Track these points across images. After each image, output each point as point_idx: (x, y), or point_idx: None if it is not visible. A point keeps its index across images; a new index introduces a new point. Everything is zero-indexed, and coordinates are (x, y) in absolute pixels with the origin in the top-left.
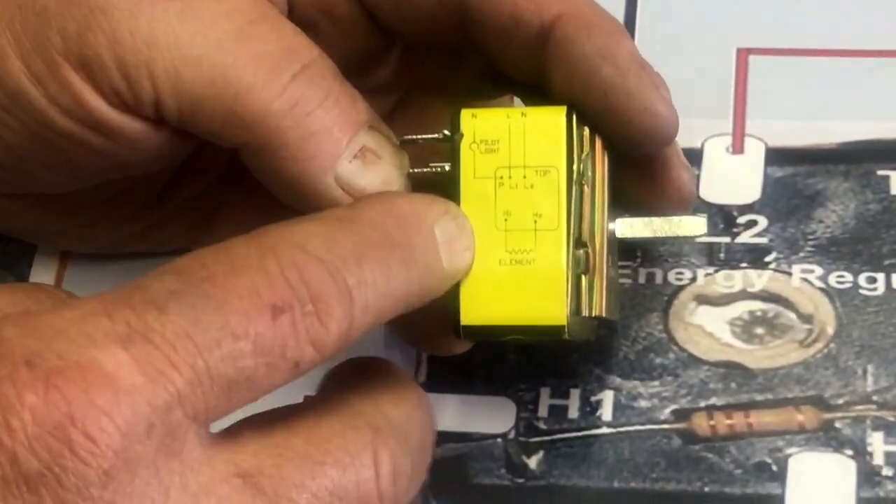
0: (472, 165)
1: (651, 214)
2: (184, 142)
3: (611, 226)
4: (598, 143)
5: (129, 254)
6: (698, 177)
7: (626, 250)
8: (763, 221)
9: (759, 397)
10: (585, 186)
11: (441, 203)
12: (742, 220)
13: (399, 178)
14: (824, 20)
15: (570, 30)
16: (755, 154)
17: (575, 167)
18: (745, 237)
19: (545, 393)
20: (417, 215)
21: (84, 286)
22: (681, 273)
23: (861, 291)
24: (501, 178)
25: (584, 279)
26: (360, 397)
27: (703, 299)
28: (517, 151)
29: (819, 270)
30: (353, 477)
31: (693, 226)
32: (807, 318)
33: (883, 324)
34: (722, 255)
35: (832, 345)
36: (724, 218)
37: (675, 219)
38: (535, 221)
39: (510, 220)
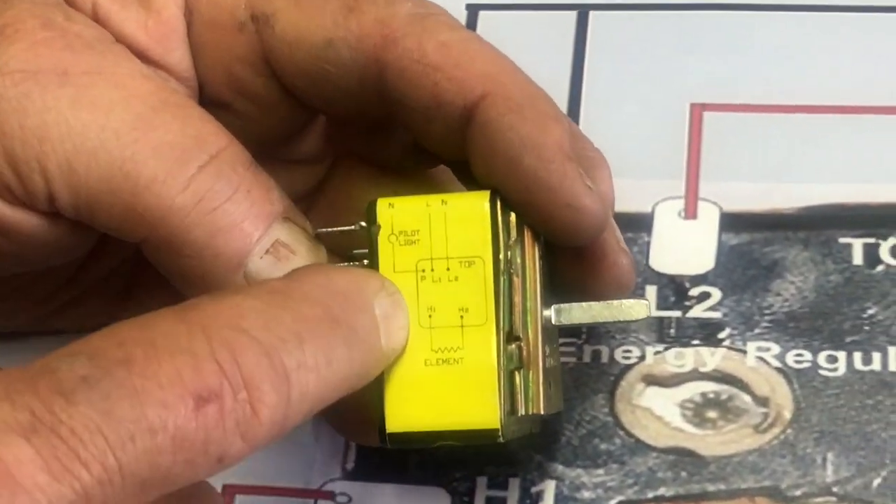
0: (392, 259)
1: (589, 299)
2: (85, 234)
3: (546, 313)
4: (527, 230)
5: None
6: (648, 244)
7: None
8: (717, 294)
9: (711, 488)
10: (515, 276)
11: (377, 278)
12: (694, 292)
13: None
14: (784, 74)
15: (494, 114)
16: (709, 220)
17: (502, 256)
18: (698, 311)
19: (482, 483)
20: (358, 290)
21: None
22: (628, 351)
23: (821, 372)
24: (423, 271)
25: (518, 375)
26: None
27: (651, 380)
28: (439, 242)
29: (776, 348)
30: None
31: (636, 310)
32: (762, 401)
33: (844, 408)
34: (672, 332)
35: (789, 430)
36: (675, 290)
37: (616, 303)
38: (462, 317)
39: (435, 317)
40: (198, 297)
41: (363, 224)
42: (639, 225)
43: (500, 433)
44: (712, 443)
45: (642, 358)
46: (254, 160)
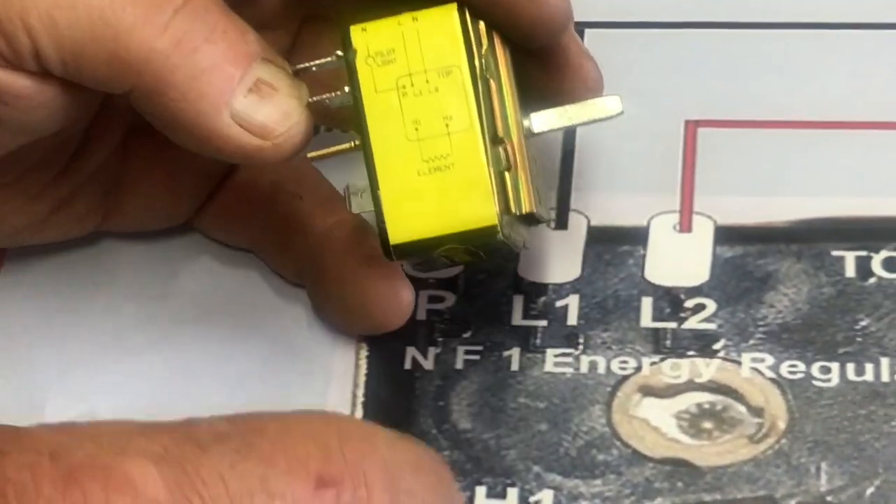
0: (372, 80)
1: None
2: (77, 94)
3: (526, 123)
4: (496, 37)
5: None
6: (644, 257)
7: (567, 337)
8: (712, 305)
9: (707, 497)
10: (491, 81)
11: None
12: (689, 303)
13: (298, 109)
14: (775, 91)
15: None
16: (704, 233)
17: (477, 62)
18: (693, 322)
19: (481, 492)
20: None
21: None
22: (625, 362)
23: (814, 383)
24: (404, 87)
25: (507, 176)
26: None
27: (648, 391)
28: (415, 57)
29: (770, 360)
30: None
31: (608, 105)
32: (757, 412)
33: (837, 418)
34: (668, 343)
35: (784, 440)
36: (670, 301)
37: (590, 102)
38: (447, 125)
39: (421, 129)
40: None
41: (339, 53)
42: (635, 238)
43: (498, 229)
44: (708, 453)
45: (639, 369)
46: (227, 6)
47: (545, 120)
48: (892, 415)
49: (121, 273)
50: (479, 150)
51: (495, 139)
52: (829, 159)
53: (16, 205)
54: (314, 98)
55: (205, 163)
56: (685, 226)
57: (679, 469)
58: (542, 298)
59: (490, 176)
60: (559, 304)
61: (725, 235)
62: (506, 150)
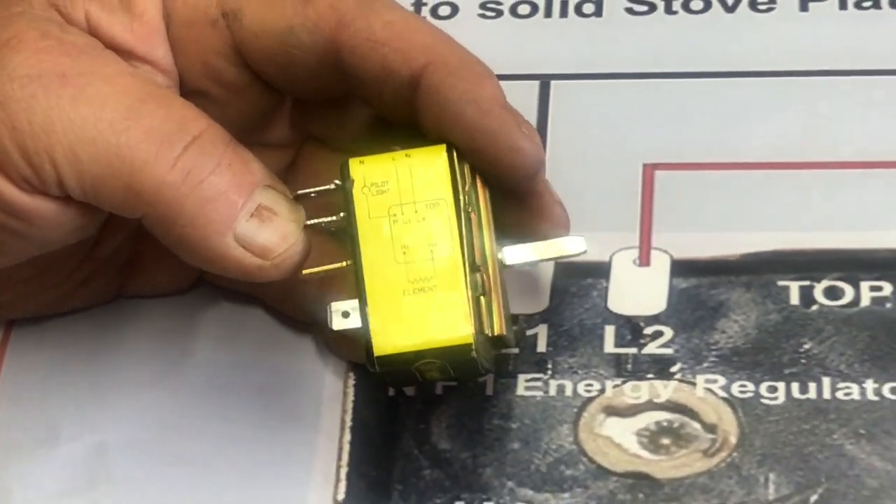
0: (366, 207)
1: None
2: (94, 214)
3: (500, 255)
4: (478, 179)
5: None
6: (606, 289)
7: (537, 363)
8: (669, 332)
9: None
10: (472, 214)
11: None
12: (648, 330)
13: (296, 231)
14: (726, 135)
15: (437, 78)
16: (661, 266)
17: (461, 197)
18: (652, 348)
19: None
20: None
21: (29, 348)
22: (590, 385)
23: (762, 401)
24: (395, 215)
25: (482, 300)
26: None
27: (611, 410)
28: (406, 189)
29: (722, 380)
30: None
31: (573, 245)
32: (711, 428)
33: (783, 432)
34: (629, 366)
35: (735, 454)
36: (631, 329)
37: (558, 240)
38: (432, 251)
39: (408, 253)
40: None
41: (338, 182)
42: (598, 272)
43: (472, 347)
44: (666, 467)
45: (602, 391)
46: (233, 138)
47: (517, 253)
48: (833, 429)
49: (133, 315)
50: (460, 276)
51: (474, 266)
52: (775, 197)
53: (38, 290)
54: (312, 221)
55: None
56: (644, 260)
57: (640, 482)
58: (514, 327)
59: (468, 299)
60: (529, 332)
61: (681, 268)
62: (482, 277)
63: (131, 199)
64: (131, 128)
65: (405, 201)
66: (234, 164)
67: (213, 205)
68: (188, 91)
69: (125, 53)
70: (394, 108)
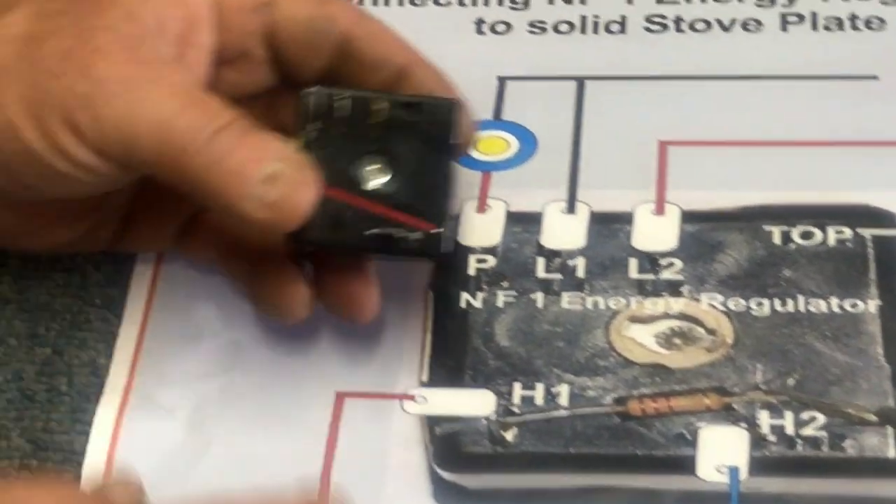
0: None
1: None
2: (135, 174)
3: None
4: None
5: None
6: (630, 232)
7: (577, 285)
8: (679, 263)
9: (677, 388)
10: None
11: None
12: (663, 262)
13: (298, 190)
14: (723, 120)
15: (421, 72)
16: (673, 215)
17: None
18: (666, 274)
19: (517, 387)
20: None
21: (175, 287)
22: (618, 300)
23: (752, 312)
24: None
25: None
26: None
27: (635, 319)
28: None
29: (721, 297)
30: None
31: None
32: (712, 332)
33: (768, 335)
34: (649, 288)
35: (731, 350)
36: (649, 261)
37: None
38: None
39: None
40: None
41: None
42: (623, 219)
43: None
44: (677, 359)
45: (628, 305)
46: (255, 125)
47: None
48: (806, 332)
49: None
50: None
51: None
52: (762, 166)
53: (62, 225)
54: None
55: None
56: (659, 210)
57: (657, 370)
58: (558, 259)
59: None
60: (570, 263)
61: (689, 217)
62: None
63: (177, 177)
64: (177, 124)
65: None
66: (251, 143)
67: (232, 175)
68: (223, 60)
69: (178, 38)
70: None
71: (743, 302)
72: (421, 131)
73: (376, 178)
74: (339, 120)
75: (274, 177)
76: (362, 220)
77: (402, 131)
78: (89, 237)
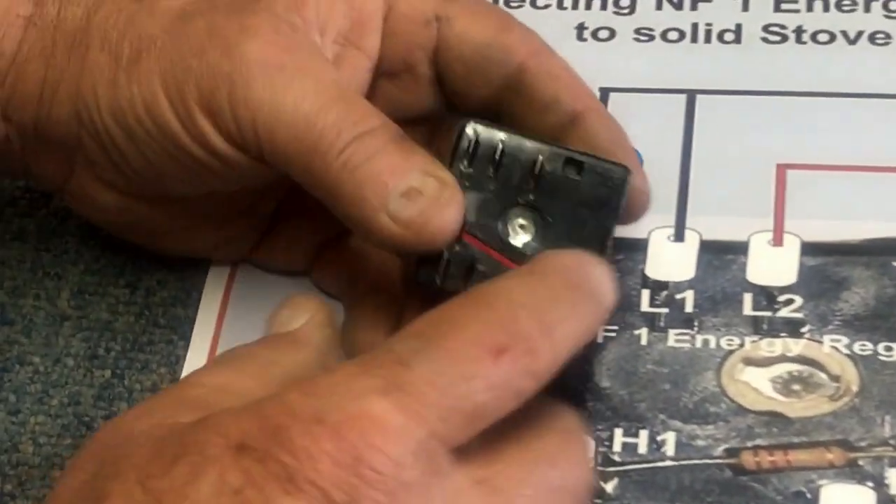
0: None
1: None
2: (271, 172)
3: None
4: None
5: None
6: (745, 264)
7: (685, 321)
8: (799, 300)
9: (795, 440)
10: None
11: (593, 258)
12: (781, 298)
13: (439, 207)
14: (846, 142)
15: (595, 122)
16: (792, 247)
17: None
18: (785, 312)
19: (618, 433)
20: (583, 265)
21: (249, 294)
22: (731, 340)
23: (880, 357)
24: None
25: None
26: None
27: (749, 361)
28: None
29: (845, 340)
30: (560, 472)
31: None
32: (835, 378)
33: None
34: (765, 326)
35: (856, 399)
36: (766, 296)
37: None
38: None
39: None
40: (476, 287)
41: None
42: (737, 249)
43: None
44: (797, 407)
45: (742, 345)
46: (400, 133)
47: None
48: None
49: None
50: None
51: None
52: (891, 195)
53: (203, 229)
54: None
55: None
56: (777, 241)
57: (774, 419)
58: (665, 292)
59: None
60: (678, 296)
61: (810, 249)
62: None
63: (311, 178)
64: (319, 121)
65: None
66: (395, 151)
67: (368, 183)
68: (384, 72)
69: (341, 37)
70: (536, 128)
71: (870, 346)
72: (582, 193)
73: (520, 235)
74: (493, 161)
75: (415, 191)
76: (496, 276)
77: (561, 189)
78: (229, 244)
